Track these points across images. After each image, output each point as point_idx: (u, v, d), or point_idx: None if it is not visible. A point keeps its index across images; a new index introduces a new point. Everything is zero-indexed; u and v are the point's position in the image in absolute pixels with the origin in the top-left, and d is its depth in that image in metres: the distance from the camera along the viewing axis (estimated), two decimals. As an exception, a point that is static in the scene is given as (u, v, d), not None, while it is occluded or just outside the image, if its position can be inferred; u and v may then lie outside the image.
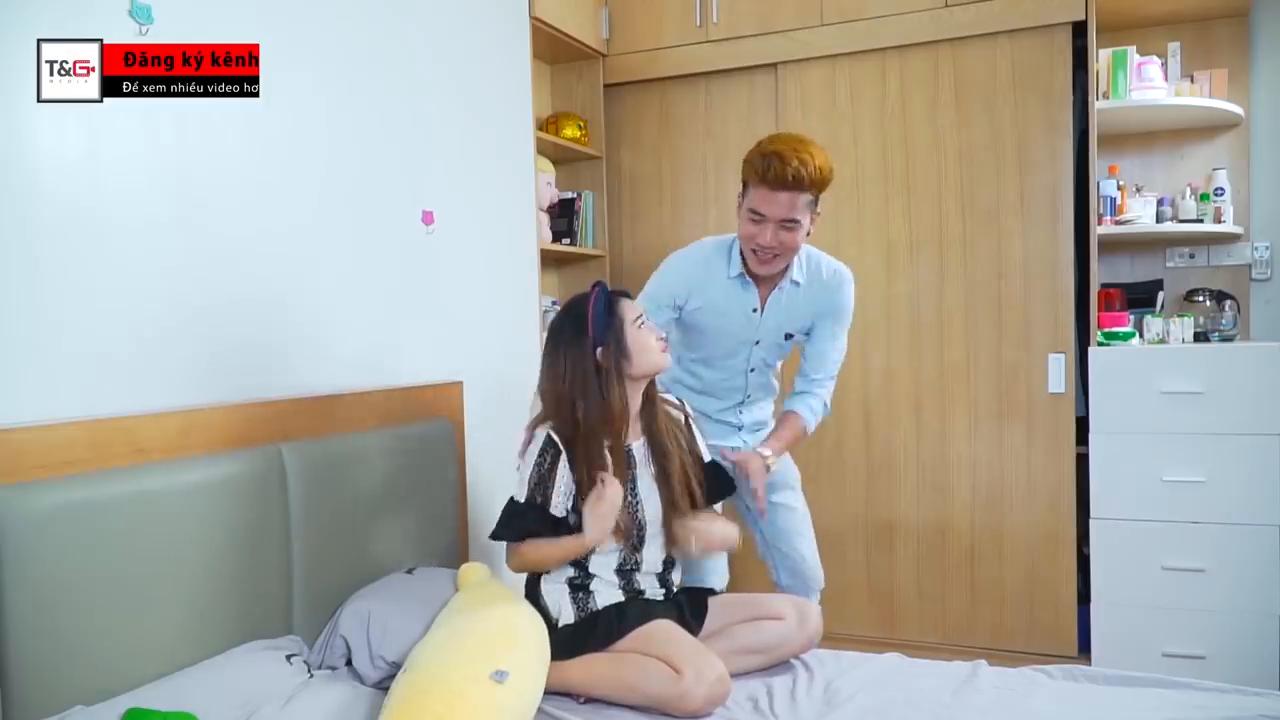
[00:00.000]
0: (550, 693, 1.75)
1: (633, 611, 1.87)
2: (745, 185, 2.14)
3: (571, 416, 1.91)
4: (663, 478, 1.97)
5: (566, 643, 1.84)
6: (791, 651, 1.95)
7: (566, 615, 1.89)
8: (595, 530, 1.85)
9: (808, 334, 2.30)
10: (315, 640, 1.92)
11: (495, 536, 1.95)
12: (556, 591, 1.93)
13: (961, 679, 1.84)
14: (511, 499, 1.95)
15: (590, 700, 1.79)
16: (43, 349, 1.58)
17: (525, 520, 1.91)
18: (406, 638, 1.78)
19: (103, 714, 1.44)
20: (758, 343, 2.27)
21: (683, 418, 2.09)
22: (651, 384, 2.00)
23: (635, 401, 1.97)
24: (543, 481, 1.90)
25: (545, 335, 2.02)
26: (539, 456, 1.91)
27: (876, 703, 1.73)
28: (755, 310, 2.23)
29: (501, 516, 1.95)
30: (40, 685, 1.44)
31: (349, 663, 1.84)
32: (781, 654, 1.94)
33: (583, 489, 1.89)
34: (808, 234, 2.13)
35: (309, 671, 1.78)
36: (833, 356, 2.32)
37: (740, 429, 2.37)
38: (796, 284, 2.24)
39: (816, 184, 2.05)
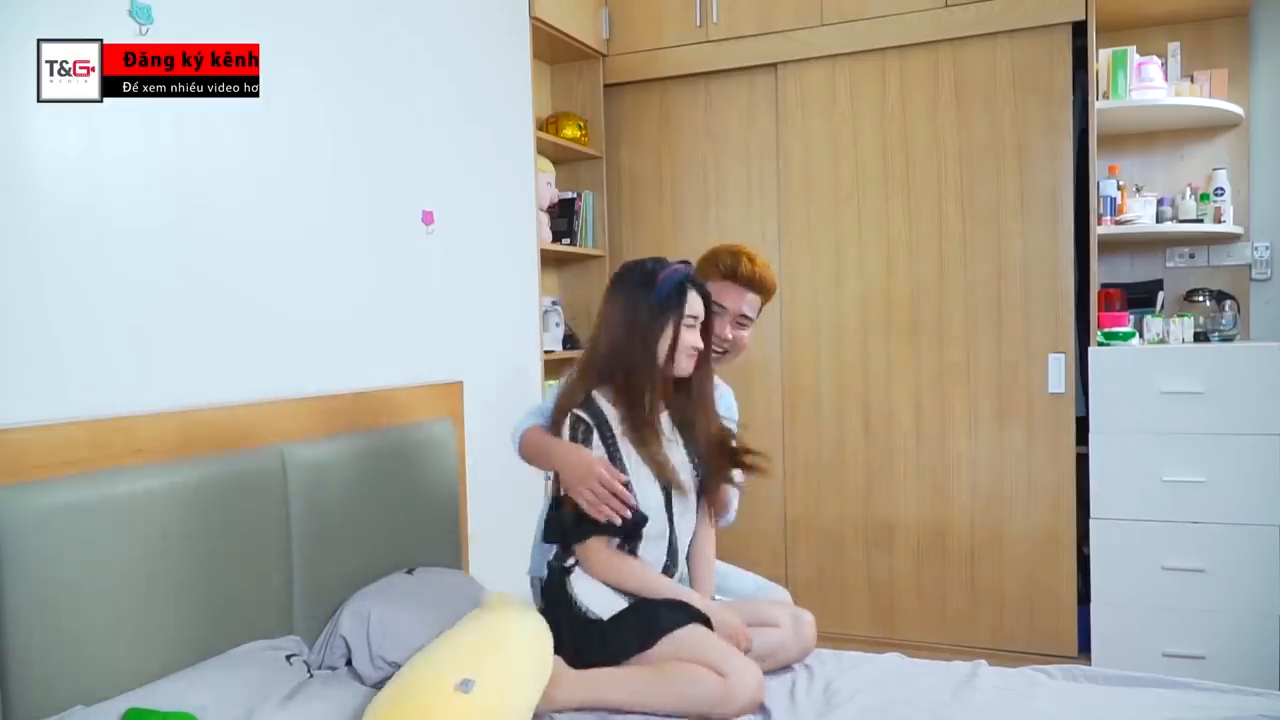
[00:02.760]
0: (582, 709, 1.69)
1: (669, 615, 1.80)
2: None
3: (611, 365, 1.87)
4: (692, 449, 1.95)
5: (602, 641, 1.78)
6: (788, 659, 1.95)
7: (617, 605, 1.82)
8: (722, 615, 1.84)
9: None
10: (315, 640, 1.92)
11: (570, 540, 1.86)
12: (586, 581, 1.85)
13: (961, 679, 1.84)
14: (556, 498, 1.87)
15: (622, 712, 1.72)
16: (43, 349, 1.58)
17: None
18: (406, 638, 1.77)
19: (103, 714, 1.44)
20: None
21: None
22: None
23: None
24: None
25: (609, 282, 1.96)
26: (571, 437, 1.86)
27: (876, 703, 1.72)
28: None
29: (557, 521, 1.87)
30: (40, 685, 1.44)
31: (349, 663, 1.84)
32: (778, 661, 1.94)
33: (619, 455, 1.84)
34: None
35: (309, 671, 1.78)
36: None
37: None
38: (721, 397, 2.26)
39: (769, 290, 2.23)
